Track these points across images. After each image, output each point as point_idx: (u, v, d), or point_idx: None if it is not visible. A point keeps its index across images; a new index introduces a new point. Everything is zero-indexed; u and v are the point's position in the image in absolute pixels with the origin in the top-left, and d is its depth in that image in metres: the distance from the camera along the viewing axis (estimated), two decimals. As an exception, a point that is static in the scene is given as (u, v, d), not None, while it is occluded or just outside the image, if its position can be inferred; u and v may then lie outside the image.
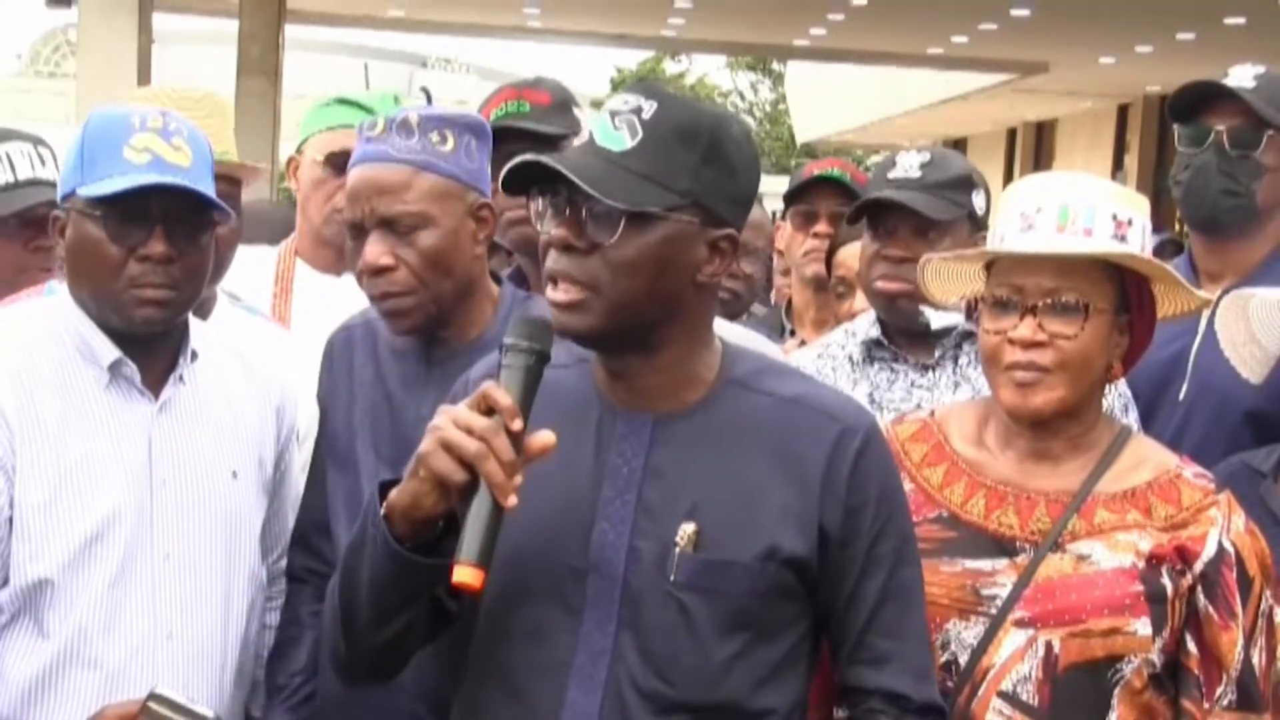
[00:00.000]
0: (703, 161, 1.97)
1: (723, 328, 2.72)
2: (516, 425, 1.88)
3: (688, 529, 1.98)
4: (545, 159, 1.95)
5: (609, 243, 1.94)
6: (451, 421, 1.88)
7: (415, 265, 2.42)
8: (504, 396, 1.89)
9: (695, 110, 2.00)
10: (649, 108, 1.97)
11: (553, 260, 1.98)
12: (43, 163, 3.32)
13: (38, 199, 3.27)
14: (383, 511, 1.95)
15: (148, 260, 2.30)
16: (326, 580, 2.48)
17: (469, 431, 1.87)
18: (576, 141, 2.01)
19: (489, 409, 1.89)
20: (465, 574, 1.84)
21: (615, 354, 2.03)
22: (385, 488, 1.98)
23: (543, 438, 1.91)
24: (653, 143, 1.95)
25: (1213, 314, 2.85)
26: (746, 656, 2.00)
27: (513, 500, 1.87)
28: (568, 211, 1.96)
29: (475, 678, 2.06)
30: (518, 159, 1.98)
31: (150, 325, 2.34)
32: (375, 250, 2.43)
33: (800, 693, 2.07)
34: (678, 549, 1.98)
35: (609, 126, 1.97)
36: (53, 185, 3.27)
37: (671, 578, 1.97)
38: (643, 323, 1.98)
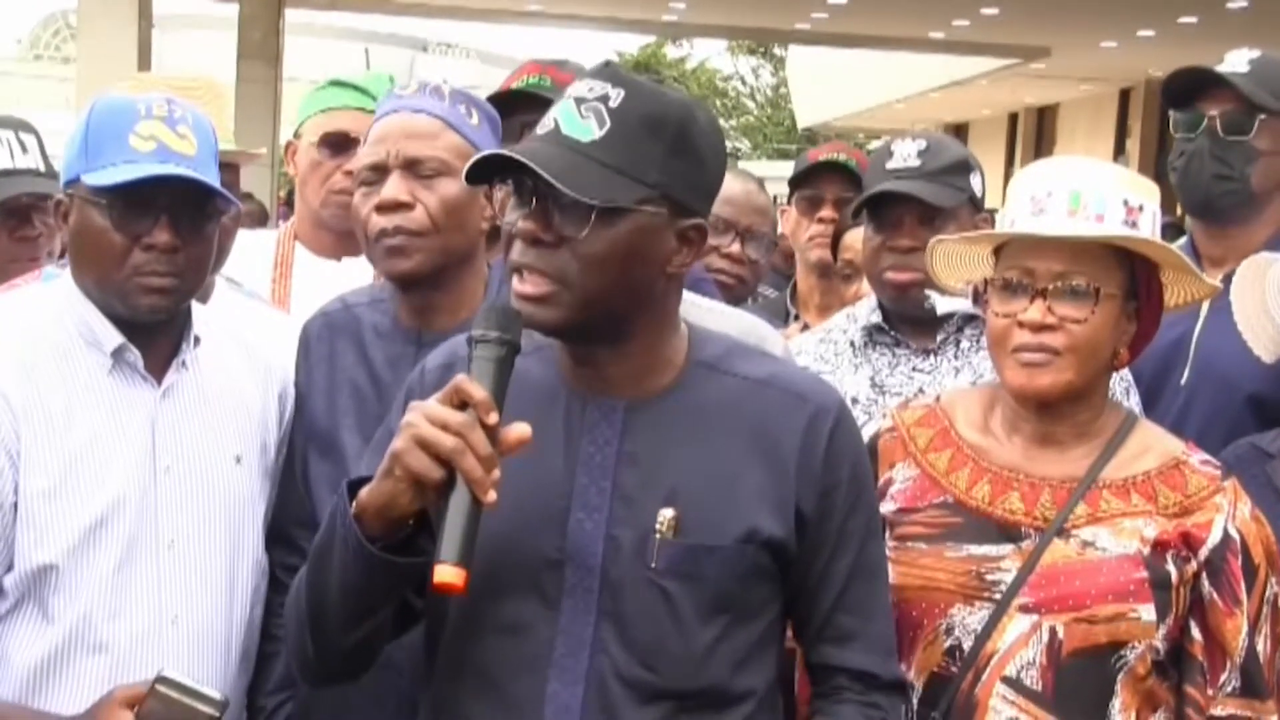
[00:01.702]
0: (671, 152, 1.94)
1: (725, 313, 2.73)
2: (492, 419, 1.84)
3: (667, 515, 1.96)
4: (512, 151, 1.91)
5: (579, 237, 1.90)
6: (425, 418, 1.83)
7: (433, 209, 2.43)
8: (477, 389, 1.84)
9: (663, 99, 1.96)
10: (616, 96, 1.93)
11: (519, 253, 1.94)
12: (24, 150, 3.30)
13: (18, 190, 3.25)
14: (352, 511, 1.90)
15: (152, 249, 2.29)
16: None
17: (444, 427, 1.82)
18: (538, 128, 1.98)
19: (462, 403, 1.84)
20: (448, 574, 1.79)
21: (582, 344, 2.00)
22: (353, 487, 1.93)
23: (518, 430, 1.87)
24: (621, 133, 1.91)
25: (1215, 298, 2.84)
26: (727, 640, 1.99)
27: (492, 496, 1.82)
28: (534, 203, 1.92)
29: (449, 674, 2.03)
30: (483, 153, 1.95)
31: (154, 314, 2.33)
32: (396, 187, 2.43)
33: (774, 672, 2.07)
34: (658, 535, 1.96)
35: (575, 115, 1.93)
36: (34, 174, 3.27)
37: (652, 564, 1.95)
38: (612, 315, 1.96)
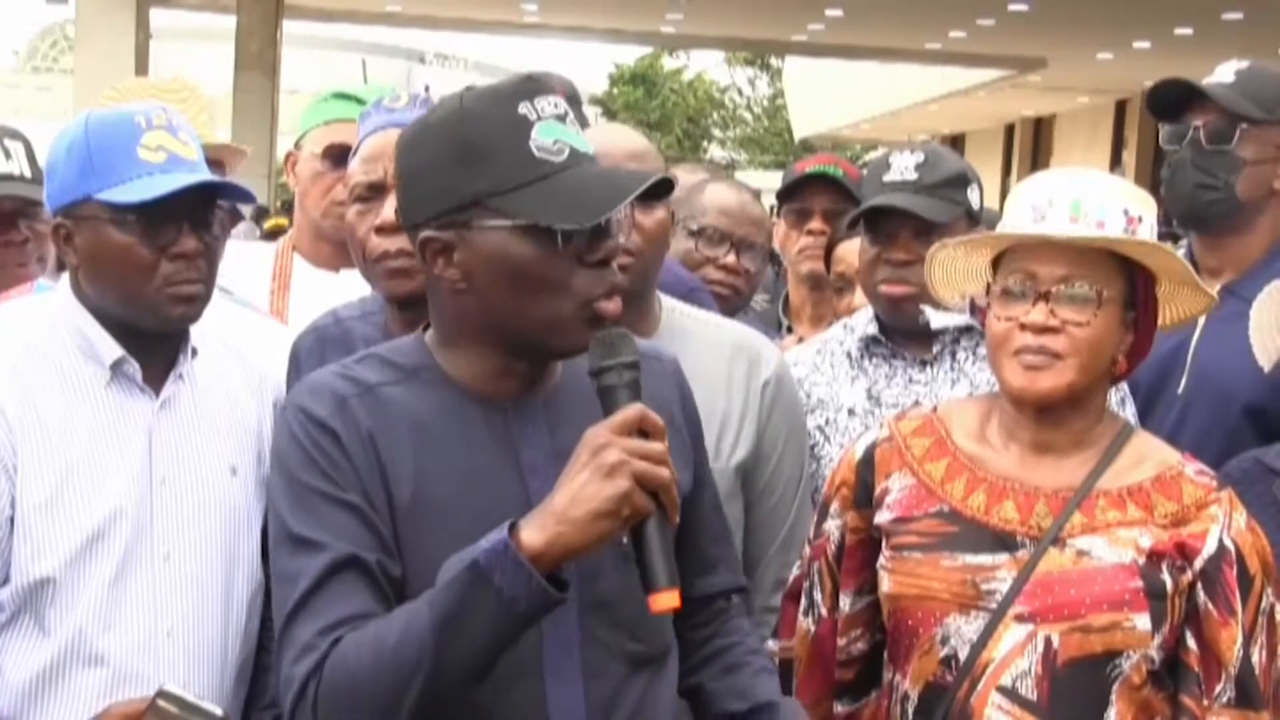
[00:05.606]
0: None
1: (720, 324, 2.73)
2: (665, 444, 1.88)
3: None
4: (622, 197, 1.92)
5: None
6: (629, 453, 1.83)
7: None
8: (657, 417, 1.87)
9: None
10: (568, 106, 1.99)
11: (615, 274, 1.98)
12: (8, 156, 3.29)
13: (1, 194, 3.24)
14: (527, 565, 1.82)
15: (181, 258, 2.29)
16: None
17: (650, 459, 1.84)
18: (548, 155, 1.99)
19: (642, 431, 1.86)
20: (666, 599, 1.85)
21: None
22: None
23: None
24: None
25: (1214, 308, 2.85)
26: None
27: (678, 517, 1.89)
28: (611, 223, 1.95)
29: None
30: (600, 218, 1.91)
31: (184, 322, 2.34)
32: (395, 207, 2.43)
33: None
34: None
35: (580, 136, 1.98)
36: (18, 180, 3.25)
37: (624, 540, 1.92)
38: None
